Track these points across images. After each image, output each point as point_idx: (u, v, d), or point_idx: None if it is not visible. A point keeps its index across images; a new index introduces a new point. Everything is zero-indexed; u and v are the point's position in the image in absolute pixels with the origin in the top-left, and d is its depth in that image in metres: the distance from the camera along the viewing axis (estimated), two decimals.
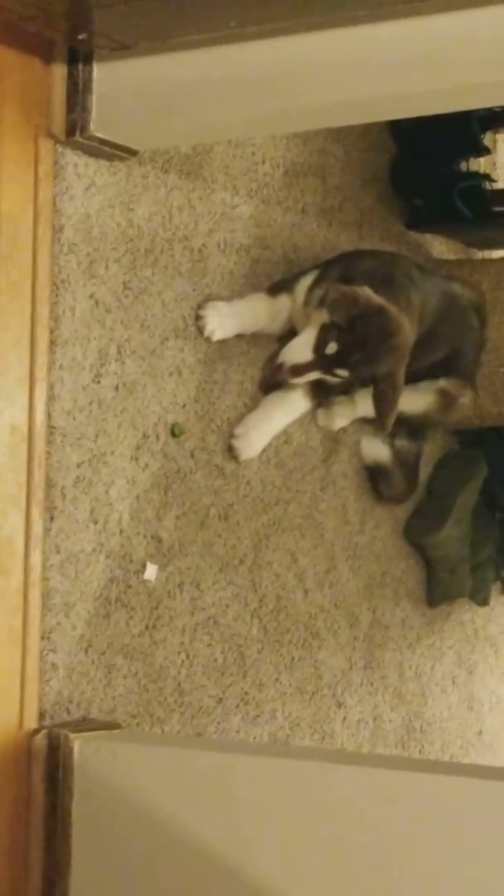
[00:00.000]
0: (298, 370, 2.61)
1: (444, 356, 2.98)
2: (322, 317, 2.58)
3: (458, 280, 3.11)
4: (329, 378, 2.63)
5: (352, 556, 3.14)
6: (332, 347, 2.56)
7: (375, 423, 3.08)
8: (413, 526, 3.40)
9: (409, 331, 2.62)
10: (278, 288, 2.78)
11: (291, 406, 2.82)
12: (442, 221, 3.47)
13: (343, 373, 2.59)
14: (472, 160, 3.47)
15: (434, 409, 3.05)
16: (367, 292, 2.54)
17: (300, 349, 2.61)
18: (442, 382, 3.03)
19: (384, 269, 2.70)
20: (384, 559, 3.29)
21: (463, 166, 3.44)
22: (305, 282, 2.75)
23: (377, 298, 2.55)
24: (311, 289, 2.73)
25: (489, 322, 3.19)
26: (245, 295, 2.74)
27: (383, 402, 2.61)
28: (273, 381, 2.74)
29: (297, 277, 2.78)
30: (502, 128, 3.71)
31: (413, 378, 2.91)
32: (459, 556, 3.51)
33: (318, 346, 2.58)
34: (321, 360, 2.59)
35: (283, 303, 2.75)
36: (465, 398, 3.06)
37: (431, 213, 3.42)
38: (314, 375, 2.62)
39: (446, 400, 3.04)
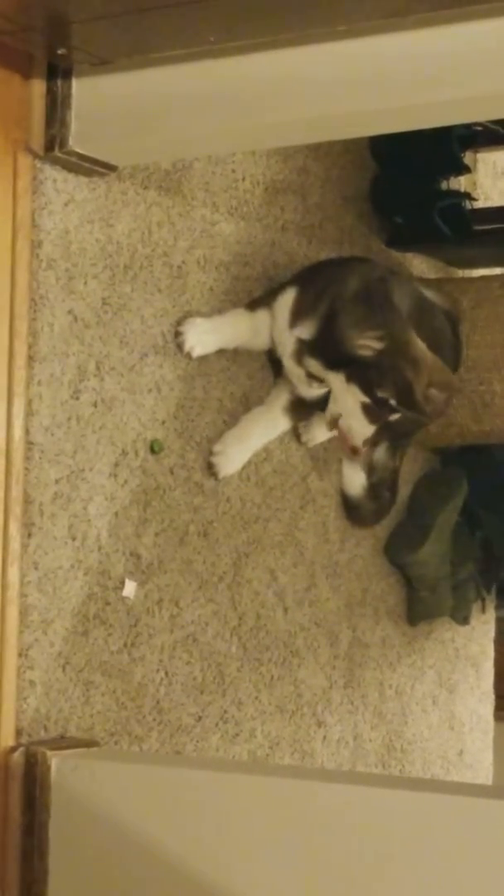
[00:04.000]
0: (368, 442, 2.68)
1: None
2: (350, 391, 2.62)
3: (431, 286, 3.12)
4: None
5: (332, 575, 3.14)
6: (394, 416, 2.62)
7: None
8: (393, 544, 3.39)
9: (421, 349, 2.65)
10: (257, 303, 2.77)
11: (271, 424, 2.81)
12: (422, 240, 3.48)
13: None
14: (452, 179, 3.47)
15: None
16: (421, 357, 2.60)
17: (359, 428, 2.65)
18: None
19: (366, 288, 2.69)
20: (365, 577, 3.28)
21: (443, 185, 3.45)
22: (285, 299, 2.74)
23: (420, 353, 2.59)
24: (294, 312, 2.72)
25: (469, 340, 3.20)
26: (225, 311, 2.74)
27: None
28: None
29: (275, 293, 2.78)
30: (482, 147, 3.73)
31: None
32: (440, 574, 3.50)
33: (375, 418, 2.63)
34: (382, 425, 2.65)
35: (263, 318, 2.75)
36: (446, 400, 3.06)
37: (412, 232, 3.43)
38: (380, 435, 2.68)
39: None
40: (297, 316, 2.71)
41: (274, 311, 2.73)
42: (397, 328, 2.60)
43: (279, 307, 2.73)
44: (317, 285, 2.72)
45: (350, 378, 2.60)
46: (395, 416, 2.61)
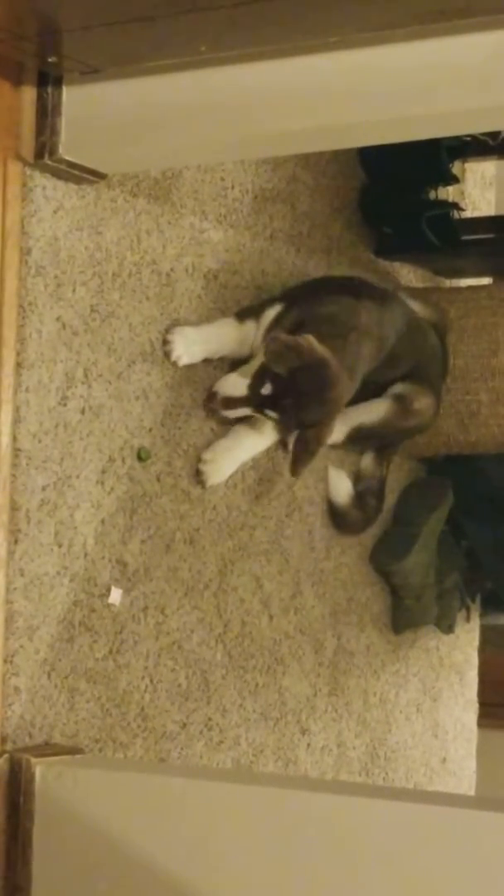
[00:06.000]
0: (230, 403, 2.63)
1: (407, 370, 3.02)
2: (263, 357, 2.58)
3: (418, 298, 3.13)
4: (258, 415, 2.63)
5: (317, 583, 3.14)
6: (267, 388, 2.56)
7: (339, 451, 3.12)
8: (379, 553, 3.40)
9: (345, 385, 2.62)
10: (246, 314, 2.78)
11: (261, 436, 2.81)
12: (410, 249, 3.49)
13: (273, 414, 2.59)
14: (440, 189, 3.48)
15: (391, 415, 3.05)
16: (310, 342, 2.52)
17: (236, 383, 2.62)
18: (398, 387, 3.05)
19: (340, 317, 2.70)
20: (350, 586, 3.29)
21: (432, 195, 3.46)
22: (270, 313, 2.76)
23: (320, 350, 2.53)
24: (273, 322, 2.73)
25: (456, 350, 3.21)
26: (213, 319, 2.74)
27: (302, 451, 2.60)
28: (206, 409, 2.73)
29: (264, 305, 2.79)
30: (471, 157, 3.74)
31: (375, 393, 2.97)
32: (425, 583, 3.51)
33: (254, 385, 2.58)
34: (254, 398, 2.59)
35: (250, 328, 2.75)
36: (420, 403, 3.07)
37: (400, 241, 3.43)
38: (244, 411, 2.63)
39: (402, 405, 3.05)
40: (273, 326, 2.72)
41: (259, 324, 2.74)
42: (342, 360, 2.60)
43: (264, 320, 2.74)
44: (300, 305, 2.73)
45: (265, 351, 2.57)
46: (266, 389, 2.57)
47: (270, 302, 2.79)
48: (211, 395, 2.68)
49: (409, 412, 3.07)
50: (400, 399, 3.05)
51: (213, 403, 2.67)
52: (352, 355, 2.66)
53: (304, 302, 2.76)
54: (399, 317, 2.92)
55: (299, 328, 2.61)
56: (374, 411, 3.04)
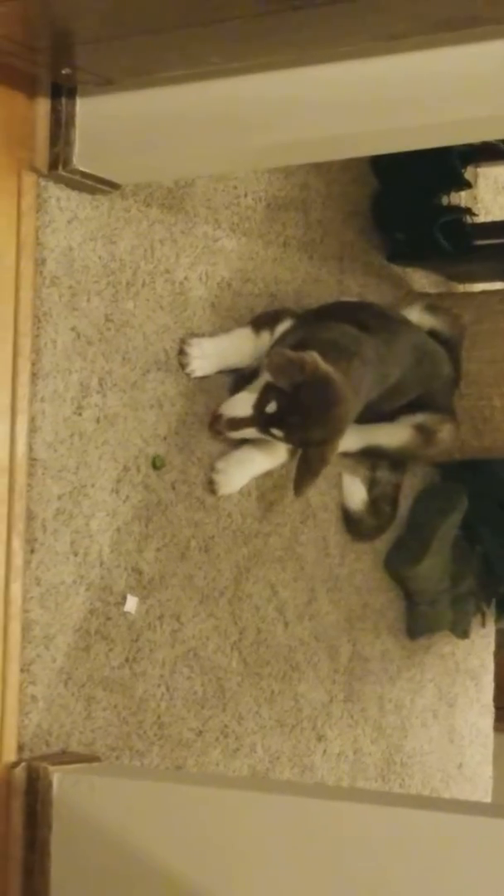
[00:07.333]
0: (235, 424, 2.60)
1: (417, 396, 3.00)
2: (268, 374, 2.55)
3: (436, 314, 3.12)
4: (264, 436, 2.60)
5: (332, 589, 3.15)
6: (271, 407, 2.53)
7: (352, 459, 3.12)
8: (393, 558, 3.40)
9: (351, 403, 2.58)
10: (262, 324, 2.77)
11: (271, 457, 2.79)
12: (423, 255, 3.49)
13: (278, 433, 2.56)
14: (453, 194, 3.48)
15: (413, 444, 3.05)
16: (314, 358, 2.49)
17: (241, 404, 2.59)
18: (419, 417, 3.04)
19: (341, 342, 2.66)
20: (364, 592, 3.29)
21: (444, 200, 3.46)
22: (281, 328, 2.75)
23: (324, 367, 2.50)
24: (281, 338, 2.72)
25: (470, 356, 3.20)
26: (227, 328, 2.74)
27: (305, 469, 2.57)
28: (212, 430, 2.71)
29: (279, 317, 2.78)
30: (483, 162, 3.74)
31: (389, 416, 2.97)
32: (440, 588, 3.51)
33: (259, 404, 2.55)
34: (259, 418, 2.56)
35: (266, 340, 2.74)
36: (444, 432, 3.07)
37: (413, 247, 3.43)
38: (250, 432, 2.61)
39: (424, 435, 3.05)
40: (281, 342, 2.71)
41: (273, 337, 2.73)
42: (346, 380, 2.57)
43: (276, 334, 2.74)
44: (307, 326, 2.73)
45: (267, 365, 2.54)
46: (271, 407, 2.54)
47: (284, 314, 2.79)
48: (216, 417, 2.65)
49: (431, 442, 3.06)
50: (422, 429, 3.04)
51: (218, 425, 2.64)
52: (355, 379, 2.61)
53: (312, 324, 2.75)
54: (407, 351, 2.89)
55: (302, 348, 2.56)
56: (394, 437, 3.03)
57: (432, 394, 3.05)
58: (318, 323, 2.76)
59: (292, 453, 2.78)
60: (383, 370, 2.77)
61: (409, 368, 2.89)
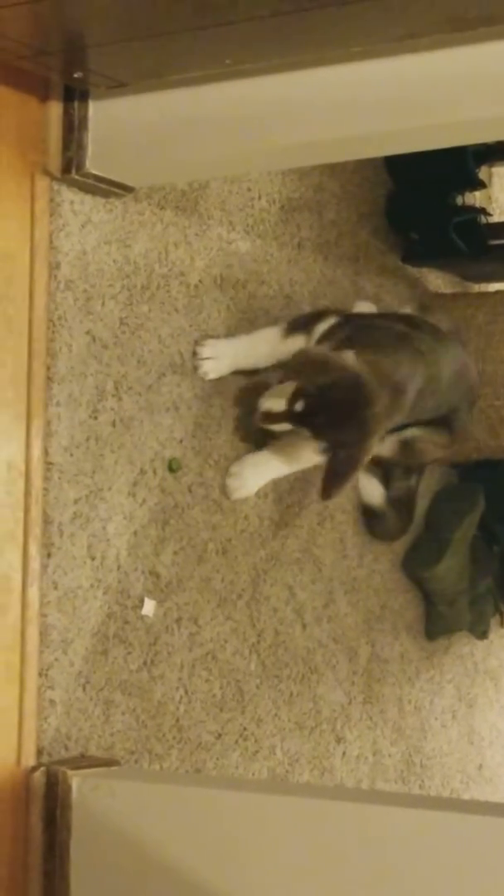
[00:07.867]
0: (271, 417, 2.54)
1: (441, 415, 2.91)
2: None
3: (434, 312, 3.06)
4: (299, 430, 2.55)
5: (350, 591, 3.14)
6: (299, 405, 2.48)
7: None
8: (411, 559, 3.39)
9: (383, 405, 2.52)
10: (296, 327, 2.72)
11: (289, 462, 2.76)
12: (438, 255, 3.48)
13: (306, 432, 2.52)
14: (467, 194, 3.48)
15: (395, 457, 2.96)
16: (343, 358, 2.46)
17: (277, 398, 2.53)
18: (412, 431, 2.92)
19: (386, 341, 2.63)
20: (383, 593, 3.29)
21: (458, 200, 3.45)
22: (322, 326, 2.70)
23: (354, 366, 2.46)
24: (323, 336, 2.68)
25: (485, 355, 3.19)
26: (243, 330, 2.73)
27: (334, 473, 2.52)
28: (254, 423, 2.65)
29: (317, 318, 2.73)
30: (497, 162, 3.73)
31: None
32: (458, 589, 3.50)
33: (291, 401, 2.49)
34: (291, 415, 2.51)
35: (298, 342, 2.69)
36: (430, 452, 2.98)
37: (427, 247, 3.43)
38: (285, 427, 2.54)
39: (407, 450, 2.95)
40: (322, 340, 2.68)
41: (311, 337, 2.69)
42: (384, 380, 2.53)
43: (315, 333, 2.69)
44: (353, 322, 2.70)
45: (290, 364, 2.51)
46: (299, 406, 2.48)
47: (327, 314, 2.75)
48: (259, 414, 2.58)
49: (413, 457, 2.99)
50: (407, 445, 2.94)
51: (256, 417, 2.58)
52: (399, 377, 2.57)
53: (358, 320, 2.71)
54: (452, 359, 2.84)
55: (348, 344, 2.54)
56: (382, 446, 2.95)
57: (454, 413, 2.94)
58: (366, 320, 2.73)
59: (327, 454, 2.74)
60: (433, 371, 2.72)
61: (451, 384, 2.84)
